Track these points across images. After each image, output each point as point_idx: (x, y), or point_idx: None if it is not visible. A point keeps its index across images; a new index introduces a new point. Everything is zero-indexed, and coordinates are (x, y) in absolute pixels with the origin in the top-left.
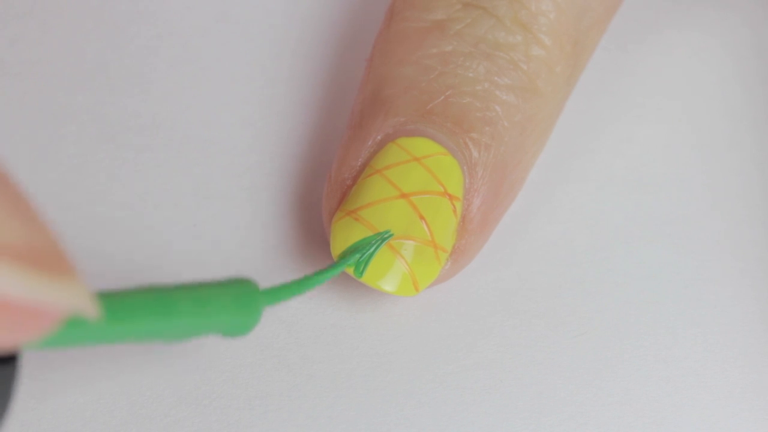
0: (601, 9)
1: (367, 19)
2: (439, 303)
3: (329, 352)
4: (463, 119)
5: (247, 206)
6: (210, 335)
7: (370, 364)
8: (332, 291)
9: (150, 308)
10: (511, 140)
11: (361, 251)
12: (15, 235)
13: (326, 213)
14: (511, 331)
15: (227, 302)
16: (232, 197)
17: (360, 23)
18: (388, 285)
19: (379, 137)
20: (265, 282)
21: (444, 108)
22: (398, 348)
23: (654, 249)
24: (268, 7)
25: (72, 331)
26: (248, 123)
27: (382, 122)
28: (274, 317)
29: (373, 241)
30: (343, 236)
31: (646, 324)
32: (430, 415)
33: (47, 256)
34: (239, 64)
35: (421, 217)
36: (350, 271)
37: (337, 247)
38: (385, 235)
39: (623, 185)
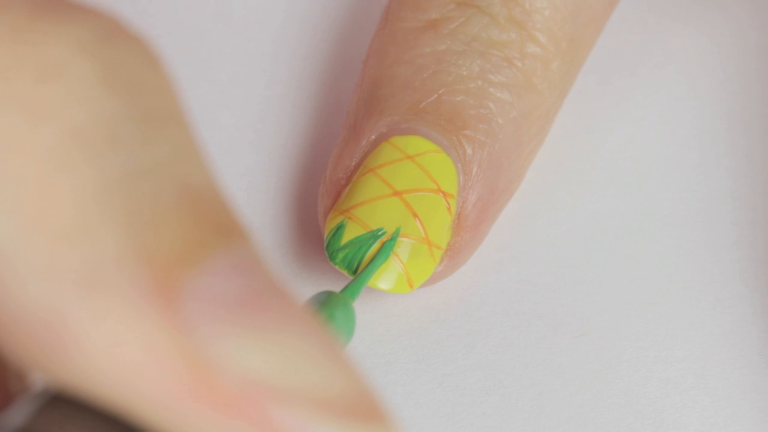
0: (599, 6)
1: (367, 20)
2: (438, 304)
3: None
4: (457, 117)
5: (247, 207)
6: None
7: (370, 364)
8: None
9: None
10: (507, 137)
11: (354, 249)
12: (328, 385)
13: (321, 212)
14: (511, 332)
15: (339, 316)
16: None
17: (360, 24)
18: (382, 283)
19: (373, 137)
20: None
21: (437, 106)
22: (397, 348)
23: (654, 250)
24: (268, 7)
25: None
26: (248, 123)
27: (376, 122)
28: None
29: (366, 239)
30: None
31: (646, 325)
32: (429, 416)
33: (360, 405)
34: (239, 64)
35: (415, 215)
36: (343, 270)
37: (330, 245)
38: (378, 233)
39: (623, 186)
